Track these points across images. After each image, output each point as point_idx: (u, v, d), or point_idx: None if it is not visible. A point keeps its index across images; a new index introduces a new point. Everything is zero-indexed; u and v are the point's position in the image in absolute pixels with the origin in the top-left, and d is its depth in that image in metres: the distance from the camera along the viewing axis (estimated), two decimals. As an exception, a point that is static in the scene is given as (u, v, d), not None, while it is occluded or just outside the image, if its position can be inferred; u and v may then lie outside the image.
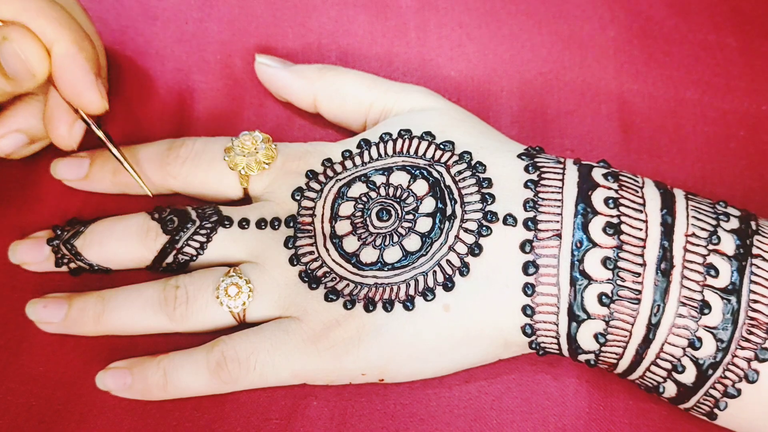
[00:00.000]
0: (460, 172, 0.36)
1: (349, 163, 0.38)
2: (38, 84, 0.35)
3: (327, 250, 0.36)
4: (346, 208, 0.36)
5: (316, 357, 0.35)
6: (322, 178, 0.38)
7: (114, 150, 0.38)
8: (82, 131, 0.37)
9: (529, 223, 0.34)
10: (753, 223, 0.34)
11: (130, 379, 0.36)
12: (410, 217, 0.36)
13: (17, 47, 0.33)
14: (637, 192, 0.34)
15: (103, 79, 0.40)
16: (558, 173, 0.35)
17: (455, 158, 0.36)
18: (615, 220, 0.33)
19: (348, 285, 0.35)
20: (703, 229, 0.33)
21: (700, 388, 0.33)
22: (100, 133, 0.37)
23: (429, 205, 0.36)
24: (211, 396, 0.37)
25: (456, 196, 0.35)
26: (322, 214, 0.37)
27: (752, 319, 0.32)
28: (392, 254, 0.35)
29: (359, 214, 0.36)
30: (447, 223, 0.35)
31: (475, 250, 0.34)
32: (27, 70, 0.34)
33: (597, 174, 0.35)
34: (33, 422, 0.36)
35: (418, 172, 0.36)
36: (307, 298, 0.35)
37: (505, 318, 0.34)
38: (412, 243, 0.35)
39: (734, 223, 0.34)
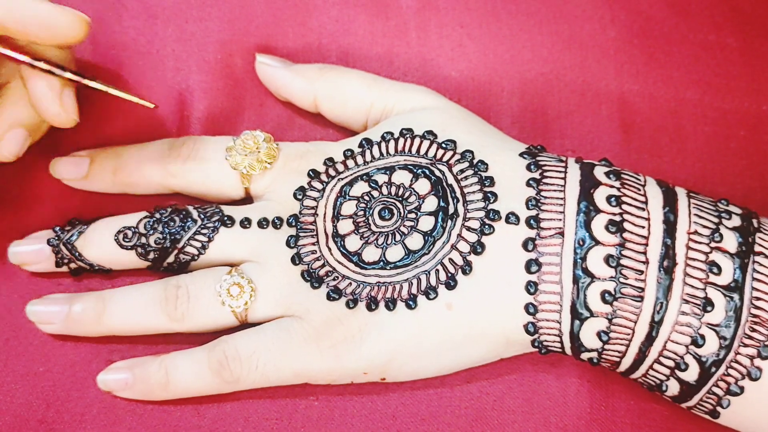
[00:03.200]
0: (462, 171, 0.36)
1: (350, 163, 0.38)
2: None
3: (329, 249, 0.36)
4: (348, 207, 0.36)
5: (318, 356, 0.35)
6: (324, 177, 0.38)
7: (107, 88, 0.36)
8: (74, 100, 0.36)
9: (532, 221, 0.34)
10: (755, 221, 0.34)
11: (131, 378, 0.36)
12: (412, 215, 0.36)
13: None
14: (639, 190, 0.34)
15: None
16: (560, 171, 0.35)
17: (457, 157, 0.36)
18: (617, 218, 0.33)
19: (350, 284, 0.35)
20: (705, 226, 0.33)
21: (703, 386, 0.33)
22: (87, 82, 0.36)
23: (431, 203, 0.35)
24: (212, 396, 0.36)
25: (458, 194, 0.35)
26: (324, 214, 0.37)
27: (755, 316, 0.32)
28: (394, 253, 0.35)
29: (361, 213, 0.36)
30: (449, 221, 0.35)
31: (477, 248, 0.34)
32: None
33: (599, 172, 0.35)
34: (33, 422, 0.36)
35: (420, 171, 0.36)
36: (309, 298, 0.35)
37: (507, 316, 0.34)
38: (415, 242, 0.35)
39: (736, 221, 0.34)
